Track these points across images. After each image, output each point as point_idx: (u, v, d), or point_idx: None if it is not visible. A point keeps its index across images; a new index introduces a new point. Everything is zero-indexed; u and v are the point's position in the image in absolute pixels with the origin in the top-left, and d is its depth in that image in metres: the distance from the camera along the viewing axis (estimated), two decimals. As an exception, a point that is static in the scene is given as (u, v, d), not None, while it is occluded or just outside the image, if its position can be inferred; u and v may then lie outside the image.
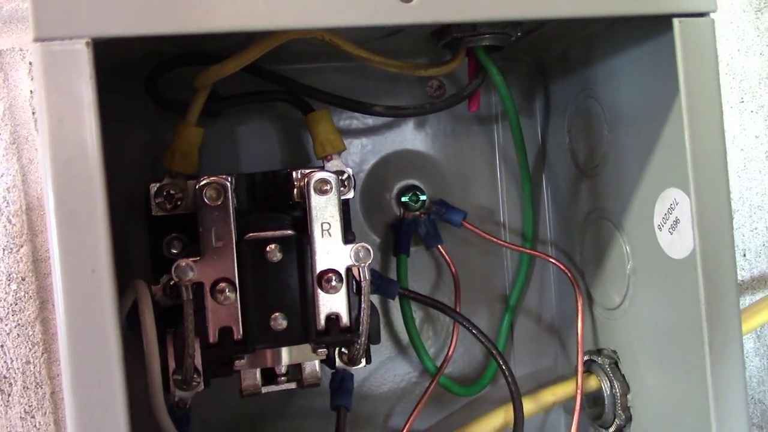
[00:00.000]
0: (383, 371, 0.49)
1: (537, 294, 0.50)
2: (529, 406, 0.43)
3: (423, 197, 0.47)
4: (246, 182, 0.42)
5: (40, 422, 0.44)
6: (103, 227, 0.28)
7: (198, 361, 0.39)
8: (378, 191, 0.48)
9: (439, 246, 0.47)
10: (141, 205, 0.42)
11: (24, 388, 0.44)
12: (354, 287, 0.39)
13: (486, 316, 0.49)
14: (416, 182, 0.48)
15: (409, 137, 0.49)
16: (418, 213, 0.47)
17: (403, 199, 0.47)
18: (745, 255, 0.54)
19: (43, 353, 0.44)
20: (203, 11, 0.29)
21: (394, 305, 0.48)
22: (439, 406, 0.49)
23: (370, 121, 0.48)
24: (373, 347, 0.47)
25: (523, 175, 0.48)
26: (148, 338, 0.33)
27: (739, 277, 0.54)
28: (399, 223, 0.47)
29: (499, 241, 0.47)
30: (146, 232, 0.42)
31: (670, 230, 0.38)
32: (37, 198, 0.45)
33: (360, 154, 0.48)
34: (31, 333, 0.44)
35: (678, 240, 0.37)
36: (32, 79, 0.44)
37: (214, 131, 0.45)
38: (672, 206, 0.38)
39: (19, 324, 0.44)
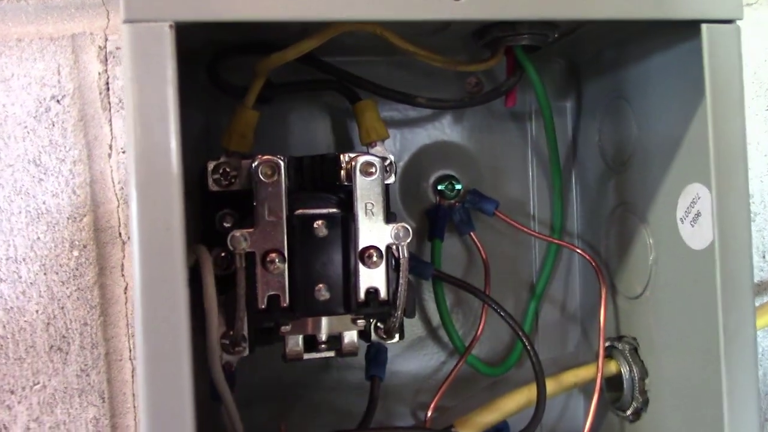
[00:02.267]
0: (414, 349, 0.51)
1: (562, 283, 0.53)
2: (552, 386, 0.46)
3: (458, 186, 0.50)
4: (295, 164, 0.45)
5: (94, 380, 0.47)
6: (177, 190, 0.31)
7: (245, 327, 0.42)
8: (416, 179, 0.51)
9: (472, 233, 0.50)
10: (195, 182, 0.45)
11: (81, 348, 0.47)
12: (393, 264, 0.42)
13: (513, 303, 0.52)
14: (452, 172, 0.51)
15: (447, 130, 0.52)
16: (453, 201, 0.50)
17: (440, 187, 0.50)
18: (765, 257, 0.56)
19: (99, 316, 0.47)
20: (274, 2, 0.32)
21: (427, 288, 0.51)
22: (466, 386, 0.51)
23: (412, 113, 0.51)
24: (405, 327, 0.49)
25: (553, 170, 0.50)
26: (208, 296, 0.36)
27: (759, 278, 0.56)
28: (435, 210, 0.50)
29: (528, 231, 0.50)
30: (201, 207, 0.45)
31: (692, 223, 0.40)
32: (100, 172, 0.48)
33: (401, 144, 0.51)
34: (89, 297, 0.47)
35: (698, 232, 0.40)
36: (100, 61, 0.48)
37: (266, 116, 0.48)
38: (694, 200, 0.40)
39: (79, 288, 0.47)
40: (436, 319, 0.51)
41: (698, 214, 0.40)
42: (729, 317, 0.38)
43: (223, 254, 0.42)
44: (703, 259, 0.39)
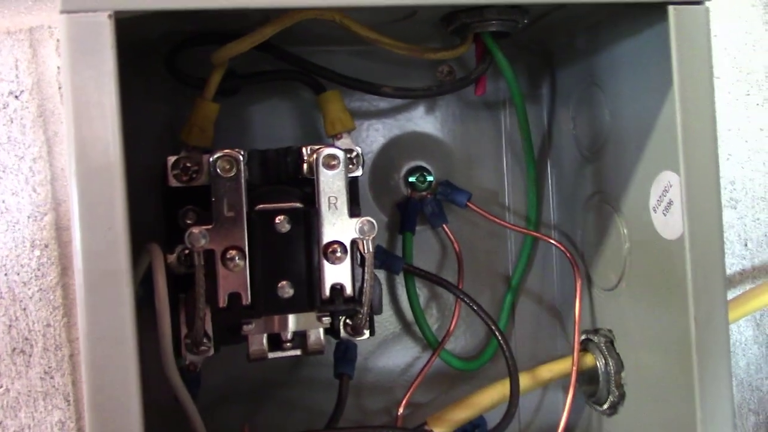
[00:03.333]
0: (387, 345, 0.50)
1: (539, 275, 0.52)
2: (526, 381, 0.45)
3: (430, 178, 0.49)
4: (259, 158, 0.44)
5: (58, 383, 0.46)
6: (120, 187, 0.30)
7: (208, 325, 0.41)
8: (387, 171, 0.50)
9: (444, 225, 0.48)
10: (157, 178, 0.44)
11: (44, 349, 0.46)
12: (358, 260, 0.41)
13: (488, 296, 0.51)
14: (424, 164, 0.50)
15: (419, 120, 0.51)
16: (424, 193, 0.49)
17: (411, 179, 0.49)
18: (746, 245, 0.55)
19: (63, 317, 0.46)
20: (218, -12, 0.31)
21: (400, 282, 0.50)
22: (440, 382, 0.51)
23: (381, 104, 0.50)
24: (378, 323, 0.49)
25: (527, 160, 0.49)
26: (160, 298, 0.35)
27: (741, 267, 0.55)
28: (406, 202, 0.49)
29: (502, 223, 0.49)
30: (164, 204, 0.44)
31: (664, 212, 0.39)
32: (61, 169, 0.47)
33: (370, 135, 0.50)
34: (52, 297, 0.46)
35: (671, 221, 0.39)
36: (59, 55, 0.47)
37: (230, 109, 0.47)
38: (666, 188, 0.39)
39: (41, 289, 0.46)
40: (409, 314, 0.50)
41: (670, 203, 0.39)
42: (700, 308, 0.37)
43: (186, 252, 0.40)
44: (676, 249, 0.38)
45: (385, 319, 0.50)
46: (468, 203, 0.48)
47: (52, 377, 0.46)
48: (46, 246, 0.46)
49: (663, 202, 0.39)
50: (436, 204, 0.49)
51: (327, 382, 0.48)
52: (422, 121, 0.51)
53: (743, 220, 0.55)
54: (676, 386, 0.39)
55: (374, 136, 0.50)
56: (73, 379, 0.46)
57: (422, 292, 0.50)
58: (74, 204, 0.29)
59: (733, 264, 0.55)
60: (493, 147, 0.51)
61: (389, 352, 0.50)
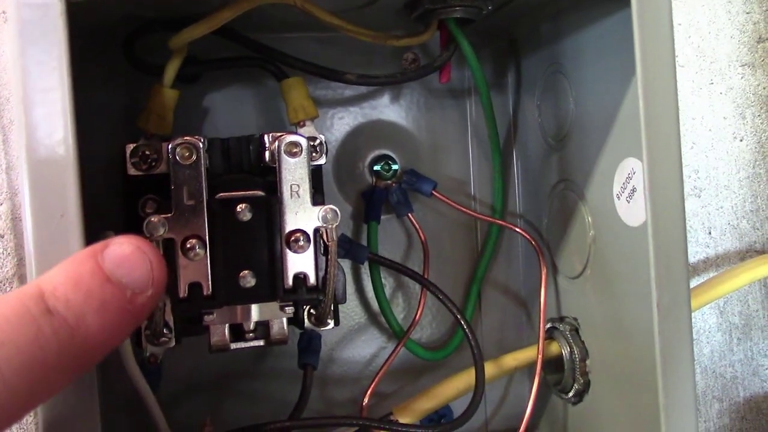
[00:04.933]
0: (352, 336, 0.50)
1: (504, 265, 0.52)
2: (491, 370, 0.45)
3: (395, 166, 0.49)
4: (221, 146, 0.43)
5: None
6: (73, 173, 0.29)
7: (169, 317, 0.40)
8: (351, 160, 0.49)
9: (410, 214, 0.48)
10: (118, 167, 0.43)
11: (1, 342, 0.45)
12: (322, 248, 0.40)
13: (454, 286, 0.51)
14: (389, 152, 0.49)
15: (384, 109, 0.50)
16: (389, 182, 0.49)
17: (376, 167, 0.49)
18: (710, 233, 0.56)
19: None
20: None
21: (365, 273, 0.49)
22: (406, 372, 0.50)
23: (346, 92, 0.50)
24: (343, 313, 0.48)
25: (493, 149, 0.49)
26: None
27: (705, 255, 0.56)
28: (371, 192, 0.49)
29: (468, 211, 0.49)
30: (123, 193, 0.43)
31: (628, 199, 0.39)
32: (17, 158, 0.45)
33: (335, 124, 0.49)
34: (8, 289, 0.45)
35: (634, 208, 0.39)
36: (14, 41, 0.45)
37: (191, 97, 0.46)
38: (630, 175, 0.39)
39: (-3, 280, 0.45)
40: (374, 304, 0.49)
41: (634, 190, 0.39)
42: (663, 294, 0.37)
43: (146, 242, 0.40)
44: (639, 236, 0.38)
45: (350, 310, 0.50)
46: (433, 192, 0.48)
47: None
48: (2, 236, 0.45)
49: (626, 189, 0.39)
50: (402, 193, 0.48)
51: (291, 373, 0.47)
52: (387, 109, 0.50)
53: (707, 209, 0.56)
54: (639, 373, 0.40)
55: (338, 124, 0.49)
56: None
57: (388, 282, 0.50)
58: (25, 192, 0.29)
59: (697, 252, 0.55)
60: (459, 136, 0.51)
61: (354, 343, 0.50)
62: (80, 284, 0.27)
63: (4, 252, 0.45)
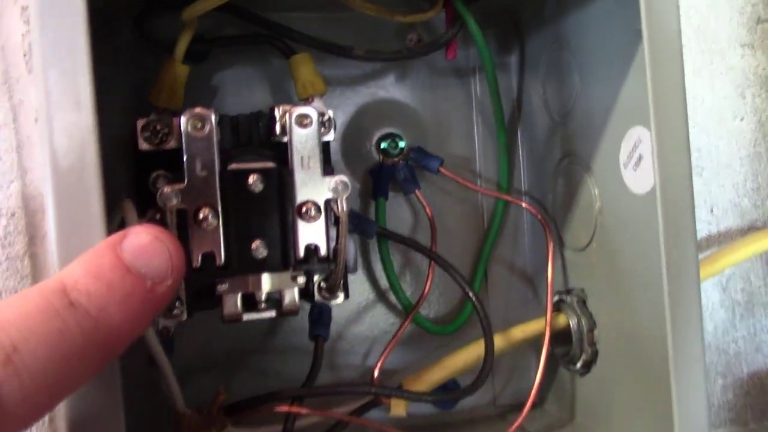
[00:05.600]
0: (362, 313, 0.50)
1: (511, 241, 0.52)
2: (499, 342, 0.45)
3: (402, 144, 0.49)
4: (230, 123, 0.44)
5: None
6: (92, 135, 0.29)
7: (181, 289, 0.41)
8: (358, 139, 0.50)
9: (417, 191, 0.48)
10: (128, 143, 0.43)
11: (12, 319, 0.45)
12: (332, 219, 0.41)
13: (461, 263, 0.51)
14: (395, 130, 0.50)
15: (390, 88, 0.51)
16: (396, 159, 0.49)
17: (383, 145, 0.49)
18: (712, 211, 0.56)
19: (31, 286, 0.45)
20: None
21: (374, 251, 0.50)
22: (415, 348, 0.51)
23: (352, 71, 0.50)
24: (352, 290, 0.48)
25: (498, 127, 0.50)
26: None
27: (707, 232, 0.56)
28: (378, 169, 0.49)
29: (475, 187, 0.49)
30: (134, 169, 0.43)
31: (634, 167, 0.40)
32: (27, 137, 0.46)
33: (342, 103, 0.50)
34: (20, 267, 0.45)
35: (641, 176, 0.39)
36: (24, 21, 0.46)
37: (200, 76, 0.46)
38: (636, 144, 0.39)
39: (8, 258, 0.45)
40: (383, 281, 0.50)
41: (640, 158, 0.39)
42: (671, 259, 0.37)
43: (158, 216, 0.40)
44: (646, 203, 0.39)
45: (360, 286, 0.50)
46: (440, 168, 0.48)
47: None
48: (13, 215, 0.45)
49: (633, 158, 0.40)
50: (409, 170, 0.49)
51: (302, 348, 0.48)
52: (393, 88, 0.51)
53: (709, 187, 0.56)
54: (648, 342, 0.40)
55: (345, 104, 0.50)
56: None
57: (396, 259, 0.50)
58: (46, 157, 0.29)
59: (699, 230, 0.56)
60: (464, 114, 0.52)
61: (363, 320, 0.50)
62: (101, 276, 0.27)
63: (15, 230, 0.45)
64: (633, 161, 0.40)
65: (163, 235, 0.29)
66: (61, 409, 0.30)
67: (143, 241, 0.28)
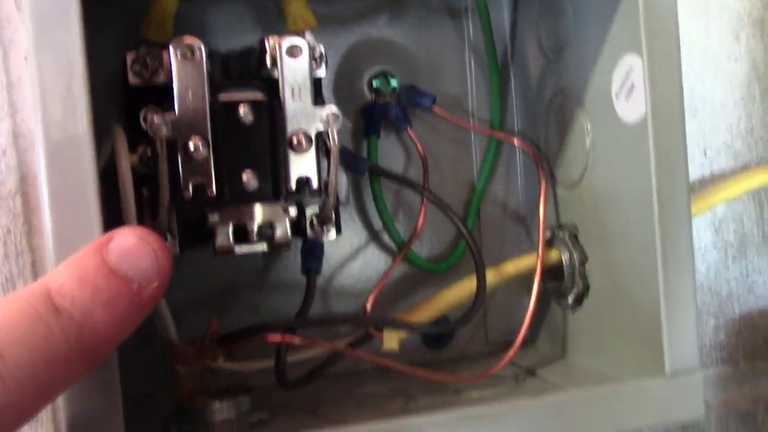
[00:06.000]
0: (354, 253, 0.50)
1: (503, 181, 0.52)
2: (492, 276, 0.45)
3: (394, 82, 0.49)
4: (221, 60, 0.43)
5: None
6: (78, 46, 0.29)
7: (173, 224, 0.41)
8: (350, 78, 0.50)
9: (409, 129, 0.48)
10: (118, 80, 0.43)
11: (5, 256, 0.45)
12: (324, 152, 0.41)
13: (453, 202, 0.51)
14: (387, 69, 0.50)
15: (382, 28, 0.50)
16: (388, 97, 0.49)
17: (374, 84, 0.49)
18: (705, 153, 0.56)
19: (23, 224, 0.45)
20: None
21: (366, 190, 0.50)
22: (408, 289, 0.51)
23: (346, 11, 0.50)
24: (344, 230, 0.48)
25: (490, 65, 0.49)
26: (123, 177, 0.35)
27: (700, 174, 0.56)
28: (370, 107, 0.49)
29: (467, 125, 0.49)
30: (125, 104, 0.43)
31: (626, 97, 0.40)
32: (18, 76, 0.46)
33: (332, 43, 0.49)
34: (11, 205, 0.45)
35: (633, 105, 0.39)
36: (11, -43, 0.45)
37: (189, 16, 0.46)
38: (628, 73, 0.39)
39: (0, 197, 0.45)
40: (377, 222, 0.50)
41: (632, 87, 0.39)
42: (662, 185, 0.38)
43: (149, 151, 0.40)
44: (637, 132, 0.39)
45: (352, 226, 0.50)
46: (433, 107, 0.48)
47: (13, 284, 0.45)
48: (4, 153, 0.45)
49: (625, 87, 0.40)
50: (401, 108, 0.48)
51: (295, 285, 0.48)
52: (386, 28, 0.50)
53: (702, 129, 0.56)
54: (639, 275, 0.40)
55: (336, 43, 0.49)
56: (36, 287, 0.46)
57: (388, 199, 0.50)
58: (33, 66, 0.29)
59: (693, 172, 0.56)
60: (457, 53, 0.51)
61: (356, 261, 0.50)
62: (86, 280, 0.27)
63: (7, 168, 0.45)
64: (625, 90, 0.40)
65: (150, 236, 0.29)
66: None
67: (129, 242, 0.28)
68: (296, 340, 0.40)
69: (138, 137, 0.41)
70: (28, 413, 0.26)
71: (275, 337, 0.40)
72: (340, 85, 0.50)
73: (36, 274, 0.46)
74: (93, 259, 0.28)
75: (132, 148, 0.42)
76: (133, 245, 0.28)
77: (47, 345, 0.26)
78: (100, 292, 0.27)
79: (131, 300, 0.28)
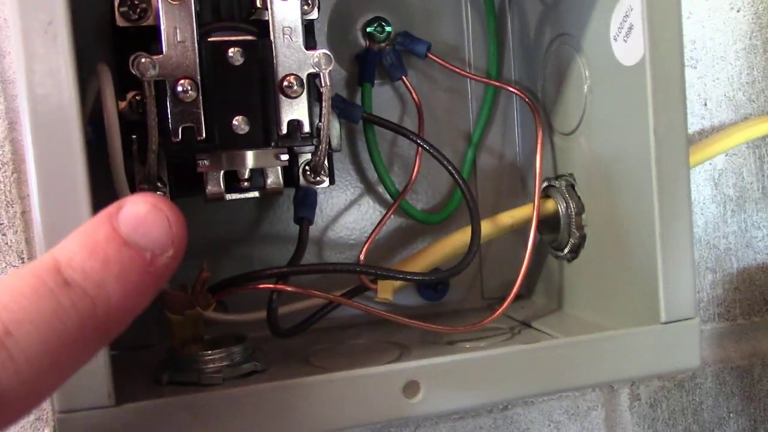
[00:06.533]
0: (348, 204, 0.50)
1: (500, 131, 0.51)
2: (487, 227, 0.45)
3: (388, 28, 0.48)
4: (211, 3, 0.42)
5: (11, 240, 0.45)
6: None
7: (163, 171, 0.40)
8: (344, 25, 0.49)
9: (404, 77, 0.47)
10: (107, 24, 0.42)
11: (-6, 205, 0.45)
12: (316, 96, 0.40)
13: (449, 152, 0.50)
14: (382, 15, 0.49)
15: (376, -27, 0.49)
16: (383, 44, 0.48)
17: (369, 29, 0.48)
18: (706, 104, 0.55)
19: (12, 173, 0.45)
20: None
21: (360, 140, 0.49)
22: (402, 241, 0.50)
23: (338, -42, 0.49)
24: (338, 182, 0.48)
25: (487, 11, 0.48)
26: (109, 115, 0.34)
27: (700, 126, 0.55)
28: (365, 54, 0.48)
29: (463, 73, 0.48)
30: (112, 47, 0.42)
31: (625, 38, 0.39)
32: (5, 19, 0.45)
33: (327, -11, 0.48)
34: (2, 152, 0.44)
35: (631, 47, 0.38)
36: None
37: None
38: (627, 14, 0.38)
39: (-12, 144, 0.44)
40: (371, 173, 0.49)
41: (631, 28, 0.38)
42: (659, 126, 0.37)
43: (138, 97, 0.39)
44: (635, 74, 0.38)
45: (346, 177, 0.49)
46: (428, 54, 0.47)
47: (4, 234, 0.45)
48: (-9, 99, 0.44)
49: (624, 29, 0.39)
50: (395, 55, 0.48)
51: (287, 236, 0.47)
52: (380, -27, 0.49)
53: (703, 80, 0.55)
54: (636, 224, 0.40)
55: (330, -10, 0.49)
56: (26, 236, 0.45)
57: (383, 149, 0.49)
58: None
59: (692, 123, 0.55)
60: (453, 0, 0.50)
61: (350, 212, 0.50)
62: (96, 252, 0.25)
63: (-6, 115, 0.44)
64: (624, 32, 0.39)
65: (163, 203, 0.27)
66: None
67: (140, 211, 0.26)
68: (289, 288, 0.39)
69: (129, 84, 0.40)
70: (42, 394, 0.25)
71: (267, 285, 0.39)
72: (334, 32, 0.49)
73: (27, 225, 0.45)
74: (103, 230, 0.26)
75: (122, 95, 0.41)
76: (145, 213, 0.26)
77: (59, 321, 0.24)
78: (111, 264, 0.25)
79: (145, 271, 0.26)
